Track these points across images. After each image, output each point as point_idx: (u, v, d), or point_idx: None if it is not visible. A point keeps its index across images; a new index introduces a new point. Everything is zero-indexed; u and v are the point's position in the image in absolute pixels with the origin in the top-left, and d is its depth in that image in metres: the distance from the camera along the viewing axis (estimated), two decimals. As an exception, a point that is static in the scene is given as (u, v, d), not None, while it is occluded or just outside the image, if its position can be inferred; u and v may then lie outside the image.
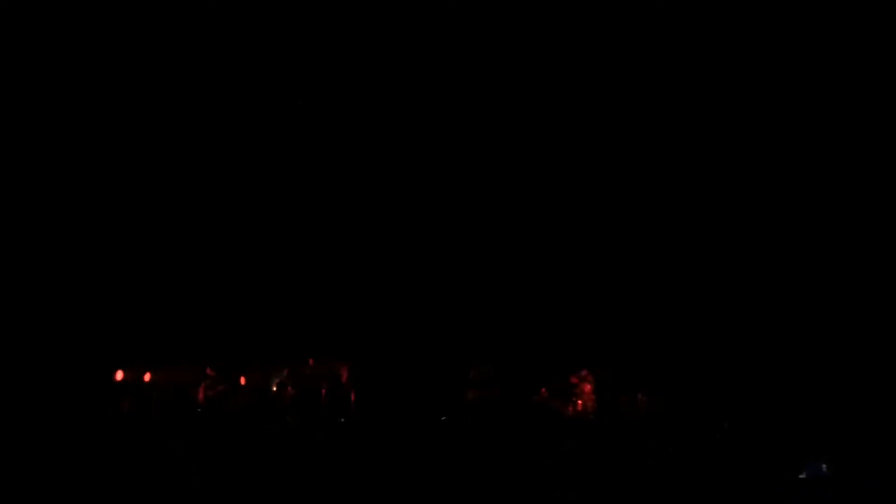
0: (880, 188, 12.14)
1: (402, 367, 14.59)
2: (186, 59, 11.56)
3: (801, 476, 7.53)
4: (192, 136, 13.45)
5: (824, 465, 7.52)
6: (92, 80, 12.02)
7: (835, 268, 12.50)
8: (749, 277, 13.18)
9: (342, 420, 13.45)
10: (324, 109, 12.83)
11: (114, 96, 12.59)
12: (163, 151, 13.62)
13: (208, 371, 13.98)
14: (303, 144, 13.61)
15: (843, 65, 10.90)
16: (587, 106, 12.22)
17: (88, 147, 13.11)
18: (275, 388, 13.94)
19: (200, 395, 13.86)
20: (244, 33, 11.17)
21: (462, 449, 11.07)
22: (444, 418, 13.64)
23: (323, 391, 13.70)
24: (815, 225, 12.59)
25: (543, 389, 13.41)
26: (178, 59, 11.52)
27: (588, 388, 13.19)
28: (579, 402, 12.95)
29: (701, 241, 13.46)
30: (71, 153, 13.05)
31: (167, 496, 9.66)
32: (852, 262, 12.39)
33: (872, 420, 10.07)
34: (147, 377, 13.41)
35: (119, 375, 13.05)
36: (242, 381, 14.12)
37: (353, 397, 13.78)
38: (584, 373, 13.27)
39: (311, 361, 13.64)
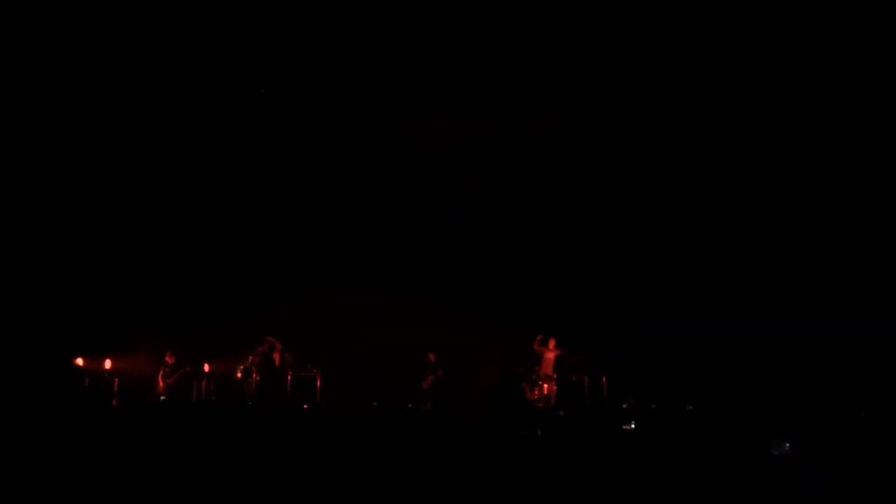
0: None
1: (366, 354, 14.69)
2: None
3: (773, 453, 7.87)
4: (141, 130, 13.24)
5: (787, 444, 7.91)
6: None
7: (791, 254, 12.97)
8: (714, 261, 13.59)
9: (305, 406, 13.52)
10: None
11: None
12: (124, 142, 13.36)
13: (167, 358, 13.83)
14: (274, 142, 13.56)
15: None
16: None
17: (49, 139, 12.79)
18: (240, 375, 13.88)
19: (160, 383, 13.71)
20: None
21: (429, 435, 11.19)
22: (410, 406, 13.81)
23: (289, 378, 13.71)
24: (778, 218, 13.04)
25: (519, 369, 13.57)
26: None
27: (551, 356, 13.51)
28: (545, 385, 13.22)
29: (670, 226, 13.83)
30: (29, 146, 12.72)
31: (131, 484, 9.54)
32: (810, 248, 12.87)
33: (831, 403, 10.58)
34: (107, 364, 13.19)
35: (79, 362, 12.79)
36: (207, 368, 14.04)
37: (318, 384, 13.84)
38: (551, 344, 13.60)
39: (278, 347, 13.59)
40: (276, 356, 13.71)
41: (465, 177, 14.13)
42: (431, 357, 14.10)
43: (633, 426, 11.59)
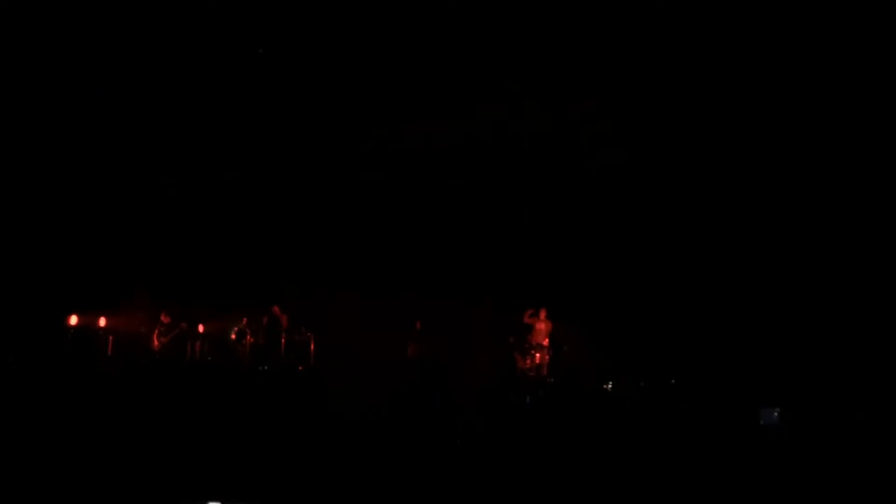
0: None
1: (358, 321, 14.71)
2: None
3: (761, 423, 7.94)
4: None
5: (776, 412, 7.98)
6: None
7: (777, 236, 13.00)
8: (704, 241, 13.63)
9: (300, 368, 13.58)
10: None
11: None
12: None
13: (162, 317, 13.85)
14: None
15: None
16: None
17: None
18: (234, 336, 13.93)
19: (154, 342, 13.75)
20: None
21: (423, 402, 11.26)
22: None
23: (283, 340, 13.76)
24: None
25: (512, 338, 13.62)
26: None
27: (542, 326, 13.54)
28: (537, 354, 13.27)
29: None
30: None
31: (123, 446, 9.58)
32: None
33: (817, 371, 10.66)
34: (102, 322, 13.21)
35: (73, 321, 12.79)
36: (201, 328, 14.07)
37: (312, 347, 13.89)
38: (542, 314, 13.62)
39: (275, 309, 13.62)
40: (284, 319, 13.80)
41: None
42: (418, 325, 14.12)
43: (610, 386, 11.74)
